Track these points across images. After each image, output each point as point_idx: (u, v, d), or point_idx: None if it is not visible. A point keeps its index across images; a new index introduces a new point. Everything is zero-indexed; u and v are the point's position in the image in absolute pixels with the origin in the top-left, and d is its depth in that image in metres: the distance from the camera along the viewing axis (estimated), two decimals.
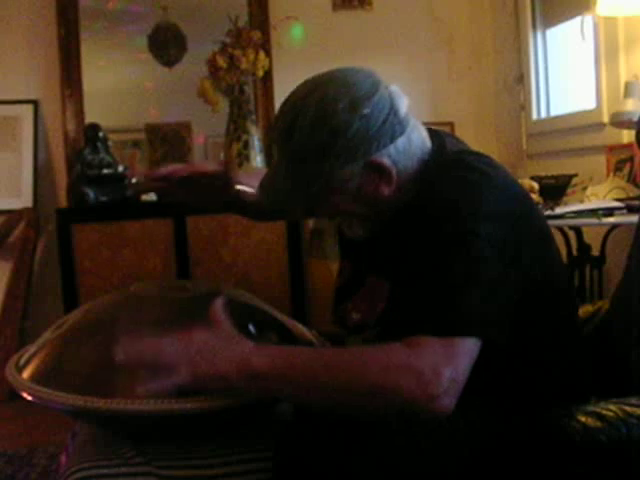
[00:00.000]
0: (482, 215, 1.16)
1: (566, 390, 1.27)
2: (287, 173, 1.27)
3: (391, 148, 1.24)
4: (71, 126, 3.77)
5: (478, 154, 1.30)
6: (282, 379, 1.10)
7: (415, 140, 1.27)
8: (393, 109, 1.24)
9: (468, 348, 1.09)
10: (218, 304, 1.20)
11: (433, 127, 1.37)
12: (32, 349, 1.33)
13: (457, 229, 1.15)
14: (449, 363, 1.06)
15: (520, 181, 2.28)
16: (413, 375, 1.05)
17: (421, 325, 1.10)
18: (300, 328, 1.39)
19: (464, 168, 1.24)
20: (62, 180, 3.75)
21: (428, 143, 1.30)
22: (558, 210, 2.59)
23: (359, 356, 1.11)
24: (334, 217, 1.41)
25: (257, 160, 3.59)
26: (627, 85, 2.97)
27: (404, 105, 1.26)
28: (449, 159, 1.28)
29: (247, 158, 3.56)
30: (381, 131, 1.23)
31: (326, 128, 1.21)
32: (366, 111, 1.21)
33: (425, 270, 1.16)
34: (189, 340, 1.13)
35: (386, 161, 1.23)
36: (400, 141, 1.24)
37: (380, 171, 1.24)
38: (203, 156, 4.05)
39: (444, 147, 1.31)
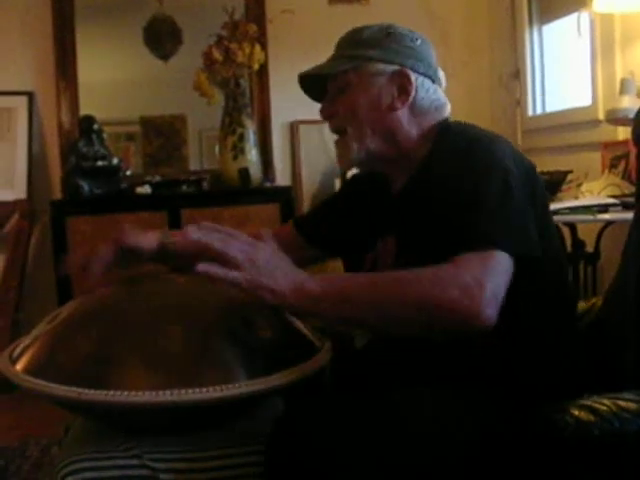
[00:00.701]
0: (502, 160, 1.27)
1: (560, 384, 1.28)
2: (336, 56, 1.47)
3: (421, 78, 1.43)
4: (66, 118, 3.77)
5: None
6: (335, 300, 1.18)
7: (439, 97, 1.46)
8: (434, 64, 1.47)
9: (505, 263, 1.17)
10: (269, 234, 1.27)
11: None
12: (26, 341, 1.33)
13: (478, 165, 1.25)
14: (490, 277, 1.14)
15: None
16: (459, 288, 1.12)
17: (457, 247, 1.18)
18: (295, 322, 1.39)
19: (482, 130, 1.38)
20: (56, 172, 3.75)
21: (446, 112, 1.46)
22: (553, 206, 2.59)
23: (408, 275, 1.18)
24: (339, 127, 1.48)
25: (252, 153, 3.59)
26: (623, 82, 2.97)
27: (442, 76, 1.48)
28: (466, 125, 1.41)
29: (242, 151, 3.56)
30: (421, 59, 1.44)
31: (385, 31, 1.44)
32: (417, 39, 1.46)
33: (450, 206, 1.24)
34: (255, 248, 1.20)
35: (412, 78, 1.41)
36: (429, 82, 1.44)
37: (402, 86, 1.41)
38: (198, 149, 4.04)
39: (461, 122, 1.44)
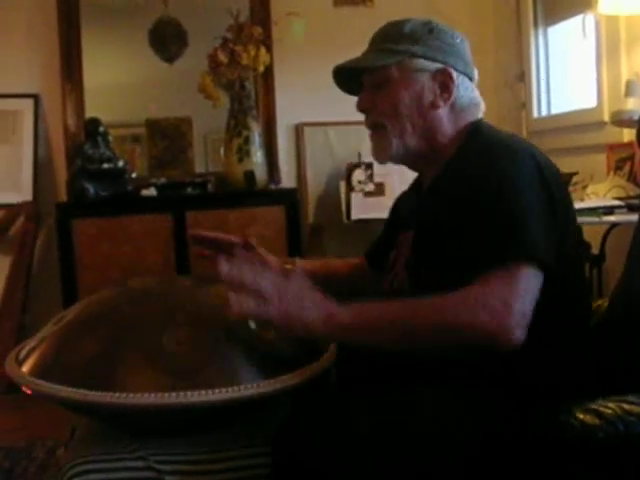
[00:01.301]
0: (525, 168, 1.27)
1: (565, 385, 1.28)
2: (377, 48, 1.46)
3: (461, 77, 1.44)
4: (71, 120, 3.77)
5: None
6: (365, 329, 1.20)
7: (476, 95, 1.48)
8: (471, 62, 1.48)
9: (532, 279, 1.18)
10: (298, 265, 1.34)
11: None
12: (32, 343, 1.33)
13: (501, 175, 1.25)
14: (518, 297, 1.15)
15: None
16: (487, 311, 1.14)
17: (482, 262, 1.18)
18: None
19: (510, 135, 1.39)
20: (62, 174, 3.75)
21: (481, 112, 1.48)
22: None
23: (436, 300, 1.18)
24: (377, 122, 1.46)
25: (257, 155, 3.59)
26: (628, 84, 2.97)
27: (476, 74, 1.50)
28: (496, 129, 1.43)
29: (247, 153, 3.56)
30: (461, 57, 1.45)
31: (427, 27, 1.45)
32: (457, 36, 1.47)
33: (472, 213, 1.24)
34: (286, 281, 1.21)
35: (454, 76, 1.42)
36: (468, 81, 1.46)
37: (444, 84, 1.42)
38: (203, 151, 4.05)
39: (483, 121, 1.46)
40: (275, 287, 1.19)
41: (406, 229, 1.47)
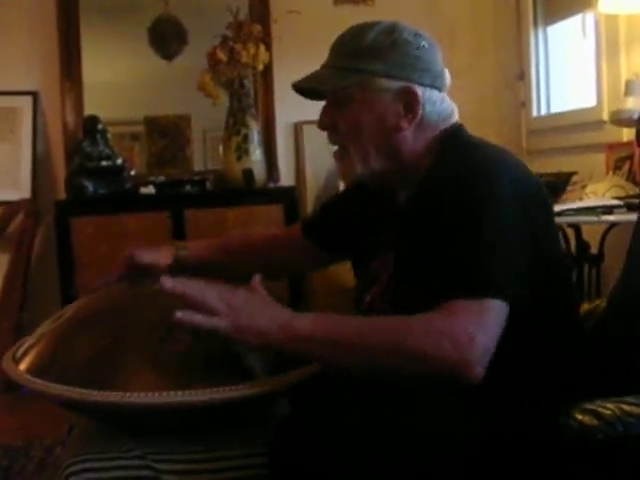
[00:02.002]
0: (499, 189, 1.22)
1: (565, 387, 1.27)
2: (337, 64, 1.37)
3: (427, 91, 1.35)
4: (70, 118, 3.77)
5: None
6: (323, 342, 1.16)
7: (446, 107, 1.39)
8: (440, 67, 1.38)
9: (497, 313, 1.15)
10: (257, 279, 1.27)
11: None
12: (29, 341, 1.33)
13: (474, 198, 1.21)
14: (482, 330, 1.12)
15: None
16: (451, 341, 1.10)
17: (450, 291, 1.15)
18: None
19: (484, 146, 1.33)
20: (61, 172, 3.75)
21: (454, 119, 1.40)
22: (557, 208, 2.58)
23: (399, 323, 1.16)
24: (339, 144, 1.41)
25: (256, 154, 3.59)
26: (628, 83, 2.97)
27: (447, 76, 1.40)
28: (469, 139, 1.38)
29: (246, 152, 3.56)
30: (427, 70, 1.35)
31: (390, 38, 1.34)
32: (424, 45, 1.36)
33: (444, 239, 1.21)
34: (233, 294, 1.20)
35: (419, 94, 1.33)
36: (436, 93, 1.37)
37: (409, 103, 1.33)
38: (202, 149, 4.04)
39: (465, 130, 1.41)
40: (223, 300, 1.17)
41: (385, 249, 1.41)
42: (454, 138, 1.37)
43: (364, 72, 1.33)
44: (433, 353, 1.11)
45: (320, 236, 1.62)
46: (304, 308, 3.57)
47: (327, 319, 1.20)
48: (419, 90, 1.33)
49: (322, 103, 1.44)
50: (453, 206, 1.22)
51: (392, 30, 1.35)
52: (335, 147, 1.43)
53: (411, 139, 1.36)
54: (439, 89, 1.37)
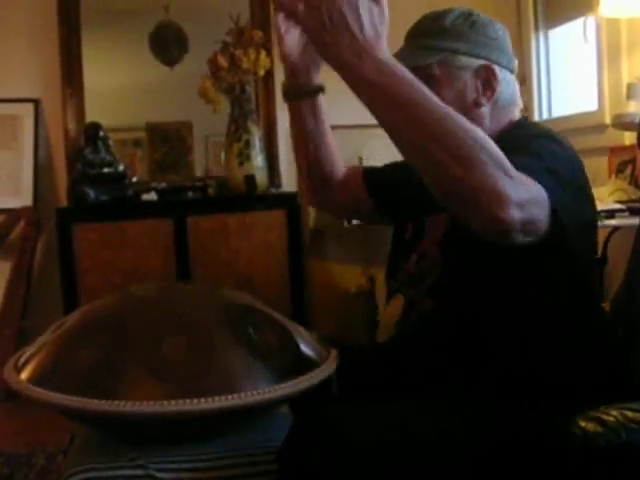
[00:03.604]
0: (559, 154, 1.26)
1: (572, 392, 1.27)
2: (419, 44, 1.41)
3: (503, 72, 1.42)
4: (72, 125, 3.77)
5: None
6: (385, 99, 1.08)
7: (516, 90, 1.46)
8: (512, 52, 1.47)
9: (543, 195, 1.11)
10: None
11: None
12: (31, 350, 1.33)
13: (540, 148, 1.24)
14: (529, 186, 1.09)
15: None
16: (503, 174, 1.05)
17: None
18: (300, 330, 1.38)
19: (549, 129, 1.38)
20: (62, 179, 3.75)
21: (520, 108, 1.47)
22: None
23: (477, 132, 1.08)
24: None
25: (258, 160, 3.58)
26: (629, 87, 2.97)
27: (516, 64, 1.48)
28: (534, 125, 1.45)
29: (248, 157, 3.55)
30: (504, 52, 1.44)
31: (469, 21, 1.41)
32: (499, 29, 1.44)
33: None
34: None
35: (497, 72, 1.40)
36: (509, 75, 1.44)
37: (487, 81, 1.39)
38: (204, 155, 4.04)
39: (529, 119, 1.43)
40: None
41: (435, 211, 1.38)
42: (526, 124, 1.43)
43: (446, 50, 1.39)
44: (485, 176, 1.04)
45: (375, 183, 1.63)
46: (305, 307, 3.58)
47: (407, 77, 1.10)
48: (497, 69, 1.40)
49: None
50: (519, 142, 1.25)
51: (470, 14, 1.43)
52: None
53: (488, 117, 1.41)
54: (512, 71, 1.45)
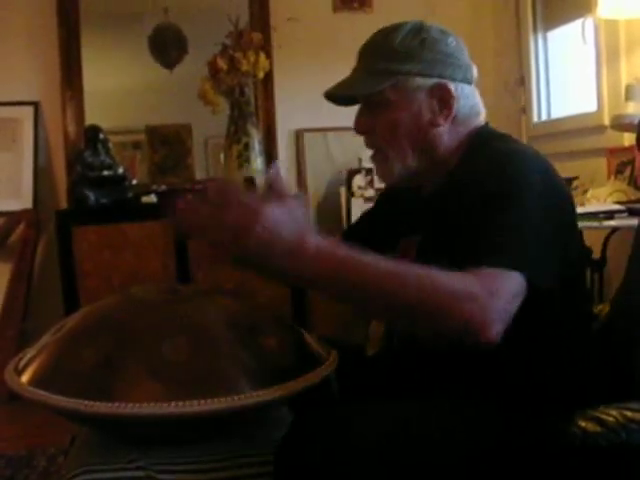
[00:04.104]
0: (530, 176, 1.23)
1: (572, 393, 1.27)
2: (369, 68, 1.39)
3: (459, 86, 1.38)
4: (71, 128, 3.77)
5: None
6: (347, 277, 1.09)
7: (476, 102, 1.42)
8: (469, 62, 1.43)
9: (520, 288, 1.12)
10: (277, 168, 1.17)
11: None
12: (31, 352, 1.33)
13: (504, 182, 1.21)
14: (504, 294, 1.09)
15: None
16: (474, 300, 1.07)
17: (474, 260, 1.12)
18: (300, 331, 1.39)
19: (515, 141, 1.37)
20: (62, 182, 3.75)
21: (482, 119, 1.43)
22: None
23: (425, 274, 1.10)
24: (377, 146, 1.42)
25: (257, 162, 3.59)
26: (628, 88, 2.97)
27: (475, 71, 1.44)
28: (500, 134, 1.40)
29: (247, 160, 3.56)
30: (458, 65, 1.39)
31: (419, 38, 1.38)
32: (451, 41, 1.41)
33: (471, 219, 1.20)
34: (260, 209, 1.08)
35: (453, 90, 1.36)
36: (468, 87, 1.40)
37: (443, 99, 1.36)
38: (203, 158, 4.04)
39: (490, 127, 1.44)
40: (248, 216, 1.07)
41: (408, 235, 1.45)
42: (485, 133, 1.40)
43: (397, 73, 1.36)
44: (455, 309, 1.07)
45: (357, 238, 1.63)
46: (305, 308, 3.58)
47: (356, 255, 1.11)
48: (452, 85, 1.37)
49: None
50: (481, 189, 1.22)
51: (419, 29, 1.40)
52: (370, 151, 1.45)
53: (446, 135, 1.38)
54: (469, 82, 1.41)
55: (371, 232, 1.60)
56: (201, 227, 1.12)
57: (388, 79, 1.36)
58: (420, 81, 1.36)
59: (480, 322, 1.07)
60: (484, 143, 1.35)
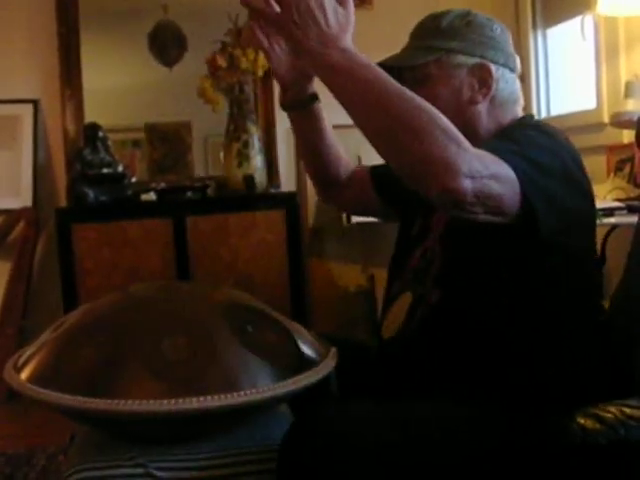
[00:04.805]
0: (561, 150, 1.30)
1: (573, 391, 1.27)
2: (416, 45, 1.45)
3: (500, 69, 1.42)
4: (71, 125, 3.77)
5: None
6: (361, 75, 1.18)
7: (516, 88, 1.46)
8: (512, 50, 1.47)
9: (508, 176, 1.14)
10: None
11: None
12: (31, 350, 1.33)
13: (528, 135, 1.28)
14: (486, 161, 1.12)
15: None
16: (457, 145, 1.11)
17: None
18: (300, 329, 1.39)
19: (550, 129, 1.40)
20: (62, 180, 3.75)
21: (520, 108, 1.47)
22: None
23: (428, 108, 1.15)
24: None
25: (257, 160, 3.59)
26: (627, 85, 2.97)
27: (518, 62, 1.48)
28: (539, 123, 1.46)
29: (247, 157, 3.56)
30: (501, 50, 1.44)
31: (465, 20, 1.43)
32: (496, 28, 1.45)
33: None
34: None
35: (493, 70, 1.41)
36: (508, 73, 1.44)
37: (483, 79, 1.40)
38: (203, 156, 4.04)
39: (534, 118, 1.49)
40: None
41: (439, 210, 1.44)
42: (525, 121, 1.44)
43: (441, 50, 1.41)
44: (435, 147, 1.10)
45: (382, 182, 1.66)
46: (305, 306, 3.58)
47: (371, 68, 1.21)
48: (493, 67, 1.41)
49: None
50: (509, 133, 1.28)
51: (467, 14, 1.45)
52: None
53: (485, 114, 1.42)
54: (512, 70, 1.45)
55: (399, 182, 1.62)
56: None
57: (432, 54, 1.42)
58: (462, 59, 1.41)
59: (448, 164, 1.09)
60: (519, 129, 1.38)
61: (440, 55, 1.41)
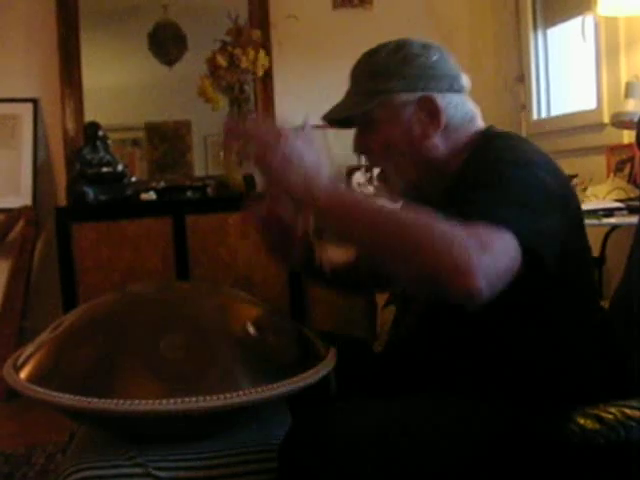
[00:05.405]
0: (537, 164, 1.26)
1: (572, 391, 1.27)
2: (357, 90, 1.42)
3: (447, 97, 1.38)
4: (71, 124, 3.77)
5: None
6: (353, 210, 1.18)
7: (468, 109, 1.41)
8: (455, 72, 1.41)
9: (510, 244, 1.11)
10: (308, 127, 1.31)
11: None
12: (30, 349, 1.33)
13: (507, 164, 1.24)
14: (494, 249, 1.08)
15: None
16: (462, 247, 1.06)
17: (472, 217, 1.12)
18: (299, 328, 1.39)
19: (516, 138, 1.37)
20: (61, 179, 3.75)
21: (480, 122, 1.43)
22: None
23: (420, 219, 1.13)
24: (378, 166, 1.46)
25: None
26: (628, 85, 2.97)
27: (465, 79, 1.43)
28: (502, 132, 1.41)
29: (247, 157, 3.55)
30: (443, 77, 1.39)
31: (400, 54, 1.38)
32: (433, 54, 1.39)
33: (474, 183, 1.23)
34: (289, 134, 1.26)
35: (439, 102, 1.36)
36: (456, 97, 1.40)
37: (431, 111, 1.36)
38: (203, 155, 4.04)
39: (494, 128, 1.43)
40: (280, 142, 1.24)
41: None
42: (488, 134, 1.40)
43: (382, 92, 1.37)
44: (443, 256, 1.06)
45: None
46: (304, 305, 3.58)
47: (350, 197, 1.22)
48: (438, 97, 1.37)
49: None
50: (476, 174, 1.25)
51: (401, 47, 1.40)
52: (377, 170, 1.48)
53: (442, 144, 1.38)
54: (459, 92, 1.41)
55: None
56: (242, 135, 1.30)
57: (375, 98, 1.38)
58: (405, 96, 1.37)
59: (466, 271, 1.05)
60: (486, 142, 1.36)
61: (382, 98, 1.37)
